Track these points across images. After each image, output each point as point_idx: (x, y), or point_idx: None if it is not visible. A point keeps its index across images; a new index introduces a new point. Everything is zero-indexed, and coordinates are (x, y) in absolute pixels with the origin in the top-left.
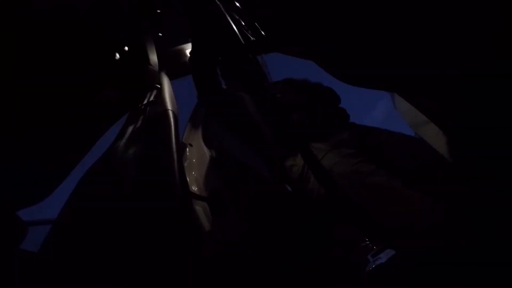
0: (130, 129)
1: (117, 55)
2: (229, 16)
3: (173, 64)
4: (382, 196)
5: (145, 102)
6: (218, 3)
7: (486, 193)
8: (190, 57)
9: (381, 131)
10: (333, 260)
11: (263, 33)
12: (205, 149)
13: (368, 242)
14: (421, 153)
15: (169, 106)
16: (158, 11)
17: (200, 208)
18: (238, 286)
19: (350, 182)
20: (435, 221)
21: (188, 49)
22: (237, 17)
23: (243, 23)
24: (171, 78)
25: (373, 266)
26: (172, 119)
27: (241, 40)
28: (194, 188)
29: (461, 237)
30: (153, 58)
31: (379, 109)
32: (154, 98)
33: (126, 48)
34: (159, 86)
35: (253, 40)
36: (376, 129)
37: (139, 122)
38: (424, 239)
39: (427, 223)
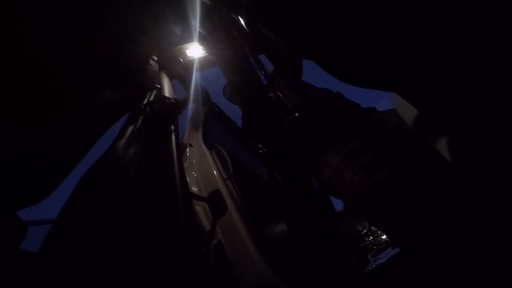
0: (130, 129)
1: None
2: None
3: (173, 64)
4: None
5: (145, 102)
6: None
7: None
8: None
9: (399, 131)
10: (333, 260)
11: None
12: (205, 149)
13: (368, 242)
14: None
15: None
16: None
17: (200, 208)
18: (237, 285)
19: (369, 194)
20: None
21: (188, 49)
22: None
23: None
24: (171, 78)
25: (373, 266)
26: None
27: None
28: (194, 188)
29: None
30: (153, 58)
31: (379, 109)
32: (154, 98)
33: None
34: (159, 86)
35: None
36: (393, 129)
37: (139, 122)
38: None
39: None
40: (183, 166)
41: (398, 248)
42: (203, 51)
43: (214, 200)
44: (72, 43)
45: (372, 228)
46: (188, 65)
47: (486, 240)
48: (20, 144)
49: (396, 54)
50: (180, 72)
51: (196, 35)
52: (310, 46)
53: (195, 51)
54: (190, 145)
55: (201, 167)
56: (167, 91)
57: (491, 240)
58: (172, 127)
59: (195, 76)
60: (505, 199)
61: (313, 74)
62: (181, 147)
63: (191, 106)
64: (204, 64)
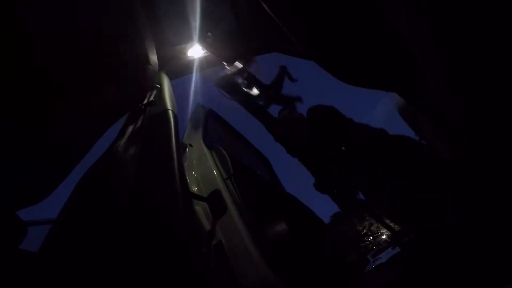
0: (130, 129)
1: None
2: None
3: (173, 64)
4: None
5: (145, 102)
6: None
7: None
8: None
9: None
10: (333, 260)
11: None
12: (205, 149)
13: (368, 242)
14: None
15: (169, 106)
16: None
17: (200, 208)
18: (237, 285)
19: None
20: None
21: (188, 49)
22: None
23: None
24: (171, 78)
25: (373, 266)
26: (172, 119)
27: None
28: (194, 188)
29: None
30: (153, 58)
31: (379, 109)
32: (154, 98)
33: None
34: (159, 86)
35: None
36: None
37: (139, 122)
38: None
39: None
40: (183, 166)
41: (398, 248)
42: (203, 51)
43: (214, 200)
44: (72, 43)
45: (372, 228)
46: (188, 65)
47: (486, 239)
48: (20, 144)
49: (396, 54)
50: (180, 72)
51: (196, 35)
52: (310, 46)
53: (195, 51)
54: (190, 145)
55: (201, 167)
56: (167, 91)
57: (491, 239)
58: (173, 127)
59: (195, 76)
60: (504, 196)
61: (313, 74)
62: (181, 147)
63: (191, 106)
64: (204, 64)
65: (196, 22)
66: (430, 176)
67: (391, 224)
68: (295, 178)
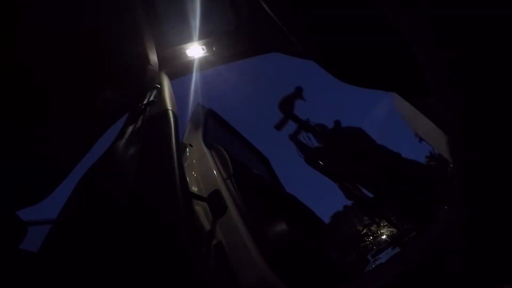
0: (130, 129)
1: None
2: None
3: (173, 64)
4: None
5: (145, 102)
6: None
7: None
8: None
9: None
10: (333, 260)
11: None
12: (205, 149)
13: (368, 242)
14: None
15: (169, 106)
16: None
17: (200, 208)
18: (237, 285)
19: None
20: None
21: (188, 49)
22: None
23: None
24: (171, 78)
25: (373, 266)
26: (172, 119)
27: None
28: (194, 188)
29: None
30: (153, 58)
31: (379, 109)
32: (154, 98)
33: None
34: (159, 86)
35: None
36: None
37: (139, 122)
38: None
39: None
40: (183, 166)
41: (398, 248)
42: (203, 51)
43: (214, 200)
44: (72, 43)
45: (372, 228)
46: (188, 65)
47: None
48: (20, 144)
49: (396, 54)
50: (180, 72)
51: (196, 35)
52: (310, 46)
53: (195, 51)
54: (190, 145)
55: (201, 167)
56: (167, 91)
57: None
58: (173, 127)
59: (195, 76)
60: (506, 195)
61: (313, 74)
62: (181, 147)
63: (191, 106)
64: (204, 64)
65: (196, 22)
66: (429, 181)
67: (393, 224)
68: (295, 178)
